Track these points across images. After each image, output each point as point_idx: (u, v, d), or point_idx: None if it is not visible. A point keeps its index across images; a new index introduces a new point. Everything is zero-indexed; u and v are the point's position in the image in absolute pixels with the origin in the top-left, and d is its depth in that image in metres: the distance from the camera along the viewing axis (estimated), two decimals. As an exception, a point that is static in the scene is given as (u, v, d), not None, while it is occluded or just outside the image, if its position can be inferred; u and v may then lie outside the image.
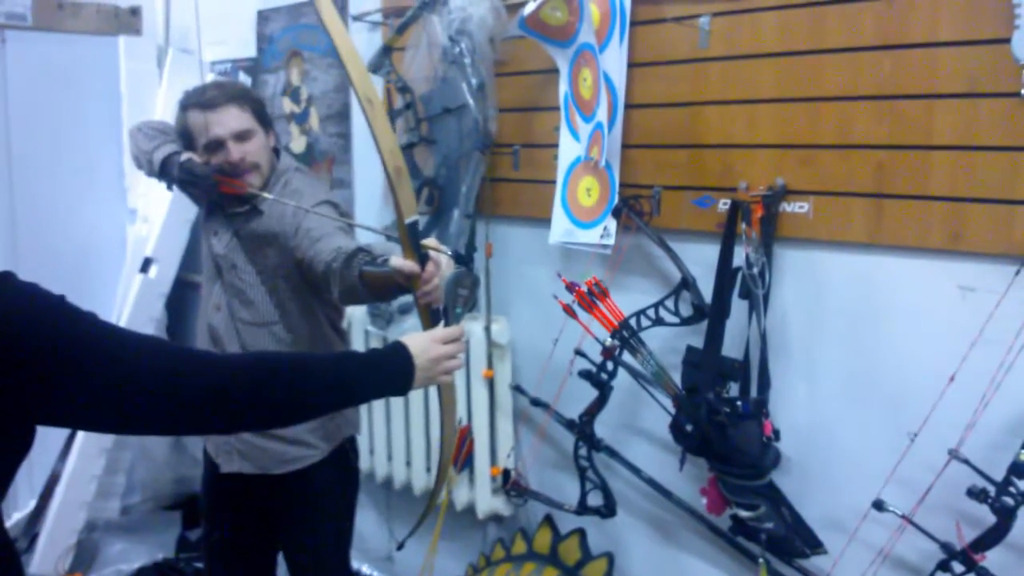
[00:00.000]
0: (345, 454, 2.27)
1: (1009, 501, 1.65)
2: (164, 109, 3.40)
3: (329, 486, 2.21)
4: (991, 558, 1.70)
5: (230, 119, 2.04)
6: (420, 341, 1.47)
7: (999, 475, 1.66)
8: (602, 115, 2.22)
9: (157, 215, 3.28)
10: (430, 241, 1.60)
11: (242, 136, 2.06)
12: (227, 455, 2.21)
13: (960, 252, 1.79)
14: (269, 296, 2.13)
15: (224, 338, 2.16)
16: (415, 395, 2.86)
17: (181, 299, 3.39)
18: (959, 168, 1.77)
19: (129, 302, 3.20)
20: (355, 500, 2.35)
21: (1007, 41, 1.67)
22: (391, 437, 2.99)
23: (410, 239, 1.53)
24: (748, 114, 2.09)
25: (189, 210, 3.21)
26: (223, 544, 2.34)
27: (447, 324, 1.58)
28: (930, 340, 1.84)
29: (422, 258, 1.54)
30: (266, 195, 2.04)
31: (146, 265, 3.21)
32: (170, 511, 3.41)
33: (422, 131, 2.70)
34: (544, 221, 2.50)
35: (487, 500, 2.74)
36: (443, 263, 1.58)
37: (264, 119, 2.13)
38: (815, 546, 2.02)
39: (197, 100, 2.07)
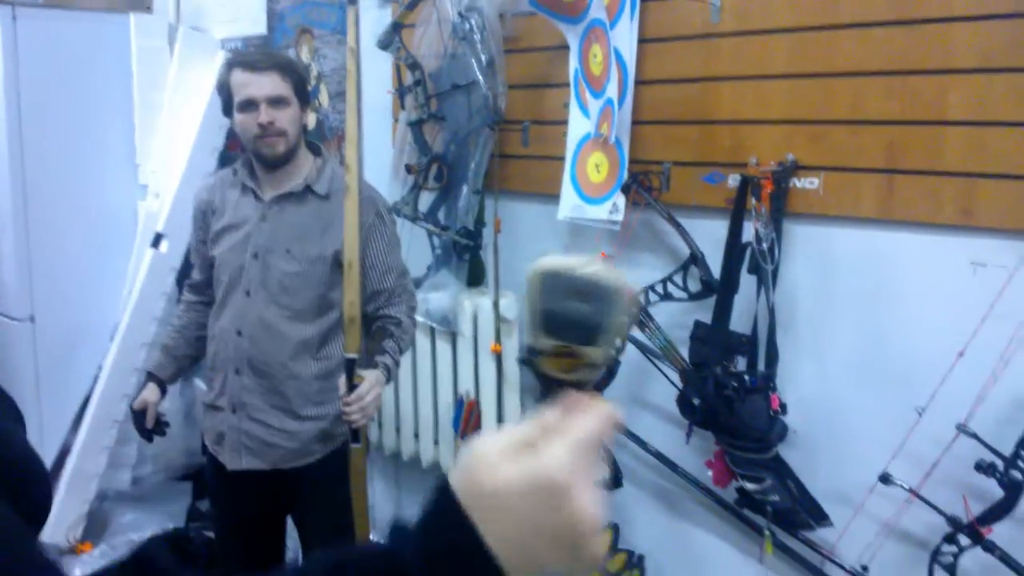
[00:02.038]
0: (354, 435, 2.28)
1: (1017, 475, 1.67)
2: (174, 87, 3.41)
3: (341, 471, 2.21)
4: (998, 532, 1.72)
5: (269, 83, 2.09)
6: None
7: (1007, 450, 1.67)
8: (612, 91, 2.21)
9: (168, 191, 3.29)
10: (365, 373, 2.04)
11: (277, 102, 2.09)
12: (234, 452, 2.20)
13: (972, 228, 1.79)
14: (304, 285, 2.15)
15: (249, 332, 2.17)
16: (422, 367, 2.88)
17: (188, 273, 3.39)
18: (972, 144, 1.77)
19: (140, 277, 3.22)
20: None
21: (1022, 16, 1.67)
22: (399, 409, 3.01)
23: (346, 371, 2.01)
24: (759, 90, 2.08)
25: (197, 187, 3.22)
26: (233, 539, 2.36)
27: (356, 442, 2.09)
28: (940, 315, 1.84)
29: (352, 387, 2.00)
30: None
31: (157, 240, 3.22)
32: (180, 482, 3.44)
33: (431, 107, 2.70)
34: (553, 197, 2.50)
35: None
36: (366, 395, 2.01)
37: (303, 94, 2.17)
38: (821, 519, 2.03)
39: (243, 60, 2.14)
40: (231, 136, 3.29)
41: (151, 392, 2.30)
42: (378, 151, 3.01)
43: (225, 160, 3.31)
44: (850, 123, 1.94)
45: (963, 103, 1.77)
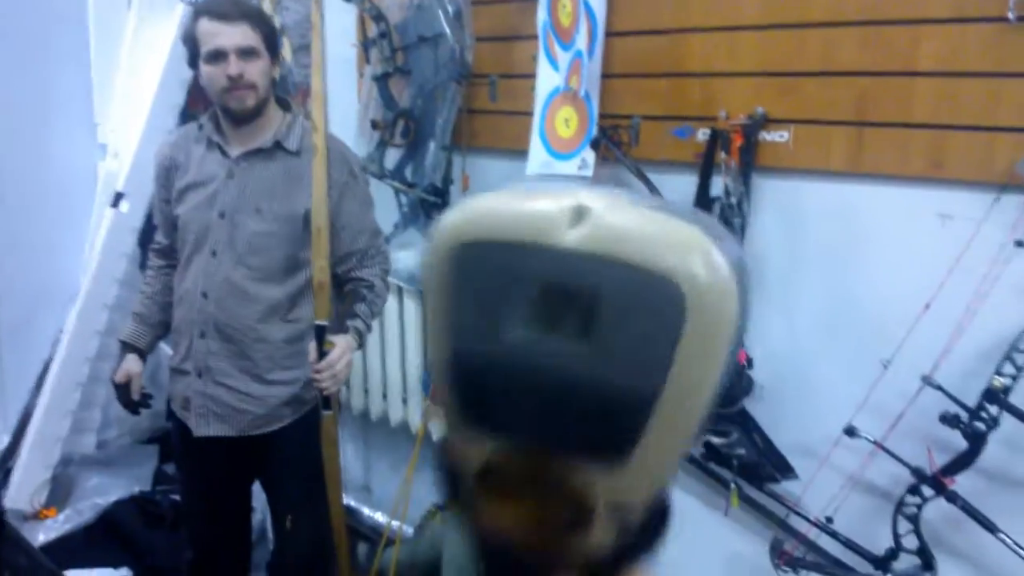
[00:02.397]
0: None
1: (981, 427, 1.68)
2: (133, 42, 3.31)
3: (310, 435, 2.18)
4: (961, 483, 1.74)
5: (239, 33, 2.02)
6: None
7: (972, 401, 1.69)
8: (581, 43, 2.18)
9: (127, 150, 3.20)
10: (335, 339, 2.01)
11: (246, 53, 2.03)
12: (201, 418, 2.16)
13: (940, 180, 1.79)
14: (274, 245, 2.10)
15: (213, 292, 2.12)
16: (390, 327, 2.85)
17: (153, 234, 3.33)
18: (942, 95, 1.76)
19: (100, 237, 3.14)
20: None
21: (993, -35, 1.65)
22: (367, 370, 2.99)
23: (316, 338, 1.99)
24: (730, 42, 2.06)
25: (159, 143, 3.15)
26: (200, 501, 2.33)
27: (327, 409, 2.07)
28: (908, 268, 1.84)
29: (323, 353, 1.99)
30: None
31: (117, 200, 3.15)
32: (146, 445, 3.40)
33: (397, 61, 2.64)
34: (522, 152, 2.47)
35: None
36: (336, 362, 2.00)
37: (272, 46, 2.11)
38: (786, 472, 2.04)
39: (211, 9, 2.05)
40: (192, 92, 3.20)
41: (133, 363, 2.24)
42: (343, 106, 2.95)
43: (186, 118, 3.23)
44: (821, 75, 1.92)
45: (934, 54, 1.76)
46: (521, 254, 0.31)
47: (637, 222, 0.30)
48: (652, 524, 0.33)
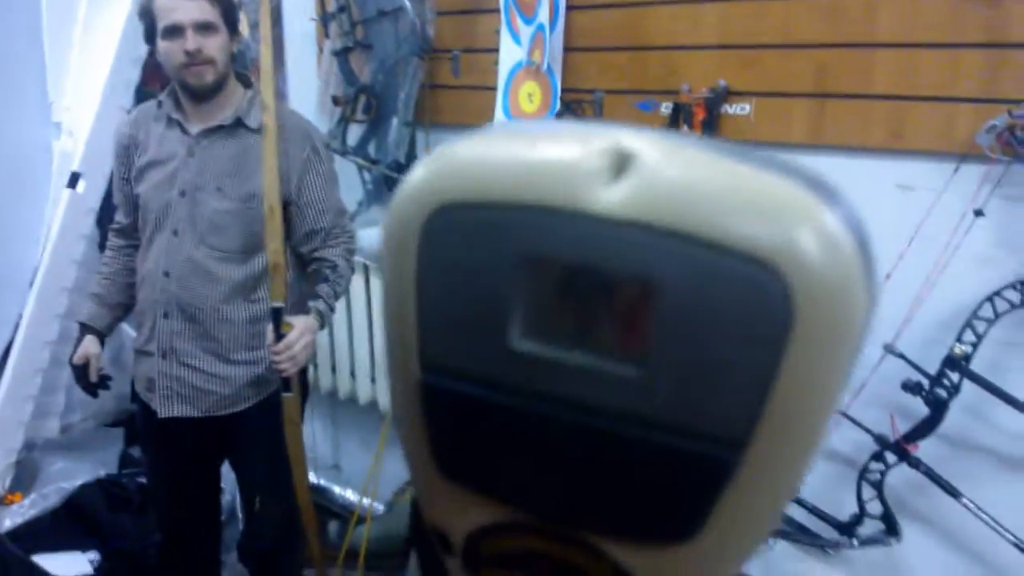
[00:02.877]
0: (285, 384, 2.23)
1: (942, 393, 1.71)
2: (86, 17, 3.22)
3: (276, 416, 2.16)
4: (924, 449, 1.77)
5: (196, 8, 1.96)
6: None
7: (933, 369, 1.72)
8: (544, 17, 2.16)
9: (82, 129, 3.13)
10: (292, 319, 1.99)
11: (204, 28, 1.97)
12: (166, 399, 2.13)
13: (900, 151, 1.81)
14: (236, 224, 2.07)
15: (177, 274, 2.09)
16: (357, 305, 2.84)
17: (112, 215, 3.27)
18: (901, 67, 1.78)
19: (58, 218, 3.08)
20: (303, 418, 2.33)
21: (951, -65, 1.66)
22: (335, 348, 2.97)
23: (273, 320, 1.96)
24: (692, 14, 2.05)
25: (116, 121, 3.08)
26: (168, 482, 2.31)
27: (287, 391, 2.03)
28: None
29: (280, 335, 1.96)
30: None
31: (73, 180, 3.08)
32: (111, 428, 3.36)
33: (357, 35, 2.61)
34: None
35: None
36: (295, 343, 1.97)
37: (231, 20, 2.05)
38: (754, 442, 2.07)
39: None
40: (147, 69, 3.14)
41: (91, 344, 2.20)
42: (303, 82, 2.91)
43: (141, 95, 3.17)
44: (781, 47, 1.92)
45: (893, 25, 1.77)
46: (532, 223, 0.19)
47: (708, 176, 0.19)
48: None
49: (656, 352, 0.19)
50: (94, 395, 2.26)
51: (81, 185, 3.07)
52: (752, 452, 0.19)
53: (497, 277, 0.20)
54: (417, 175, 0.21)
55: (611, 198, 0.19)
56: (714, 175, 0.19)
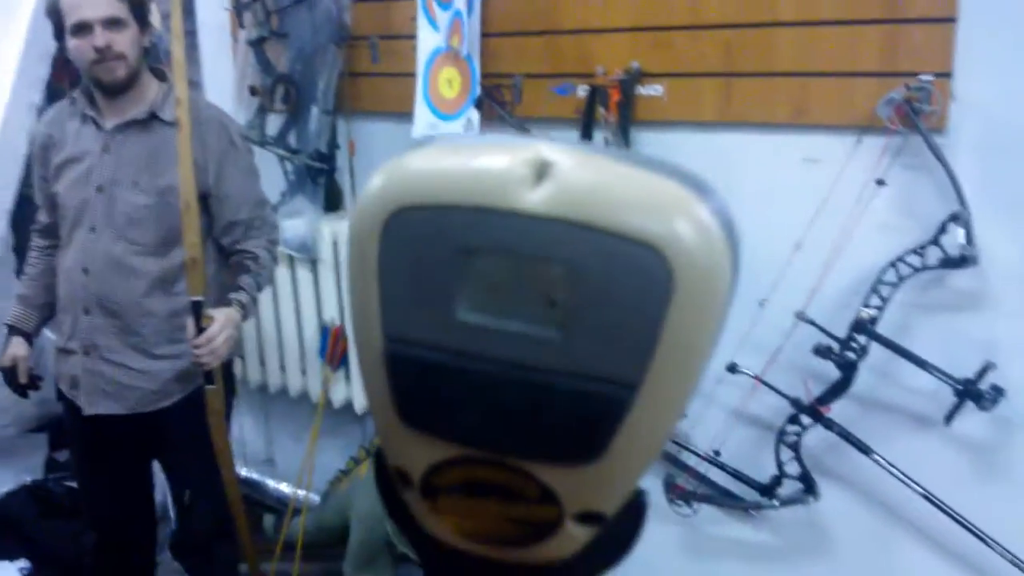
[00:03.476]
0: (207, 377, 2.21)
1: (851, 356, 1.79)
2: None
3: (203, 411, 2.14)
4: (836, 410, 1.85)
5: (102, 4, 1.93)
6: None
7: (842, 333, 1.80)
8: (460, 3, 2.18)
9: (-11, 126, 3.04)
10: (212, 312, 1.98)
11: (113, 23, 1.95)
12: (91, 396, 2.10)
13: (805, 125, 1.88)
14: (154, 218, 2.04)
15: (97, 271, 2.06)
16: (283, 297, 2.82)
17: (29, 216, 3.18)
18: (803, 44, 1.85)
19: (-33, 220, 2.99)
20: (231, 411, 2.32)
21: (845, -83, 1.73)
22: (262, 341, 2.95)
23: (193, 313, 1.94)
24: (603, -3, 2.10)
25: (27, 119, 3.00)
26: (97, 480, 2.28)
27: (210, 383, 2.01)
28: (778, 211, 1.94)
29: (200, 328, 1.94)
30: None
31: (-18, 180, 2.99)
32: (35, 434, 3.27)
33: (272, 24, 2.58)
34: (407, 115, 2.45)
35: (365, 395, 2.75)
36: (216, 336, 1.95)
37: (140, 14, 2.02)
38: (677, 412, 2.13)
39: None
40: (56, 66, 3.06)
41: (18, 347, 2.18)
42: (219, 73, 2.87)
43: (51, 91, 3.09)
44: (690, 28, 1.98)
45: (794, 4, 1.84)
46: (472, 221, 0.25)
47: (609, 179, 0.25)
48: (624, 528, 0.28)
49: (571, 319, 0.25)
50: (24, 396, 2.24)
51: (-9, 185, 2.98)
52: (643, 392, 0.25)
53: (445, 264, 0.25)
54: (377, 183, 0.26)
55: (534, 199, 0.24)
56: (614, 178, 0.24)
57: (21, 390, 2.20)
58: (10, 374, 2.17)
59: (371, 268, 0.27)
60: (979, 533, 1.80)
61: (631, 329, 0.25)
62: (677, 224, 0.24)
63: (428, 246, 0.26)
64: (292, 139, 2.69)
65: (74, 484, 2.92)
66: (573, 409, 0.26)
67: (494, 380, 0.26)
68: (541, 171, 0.25)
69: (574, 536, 0.27)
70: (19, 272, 3.17)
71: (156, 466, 2.37)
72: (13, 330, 2.20)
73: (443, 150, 0.26)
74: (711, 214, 0.24)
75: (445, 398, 0.26)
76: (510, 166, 0.25)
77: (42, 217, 2.24)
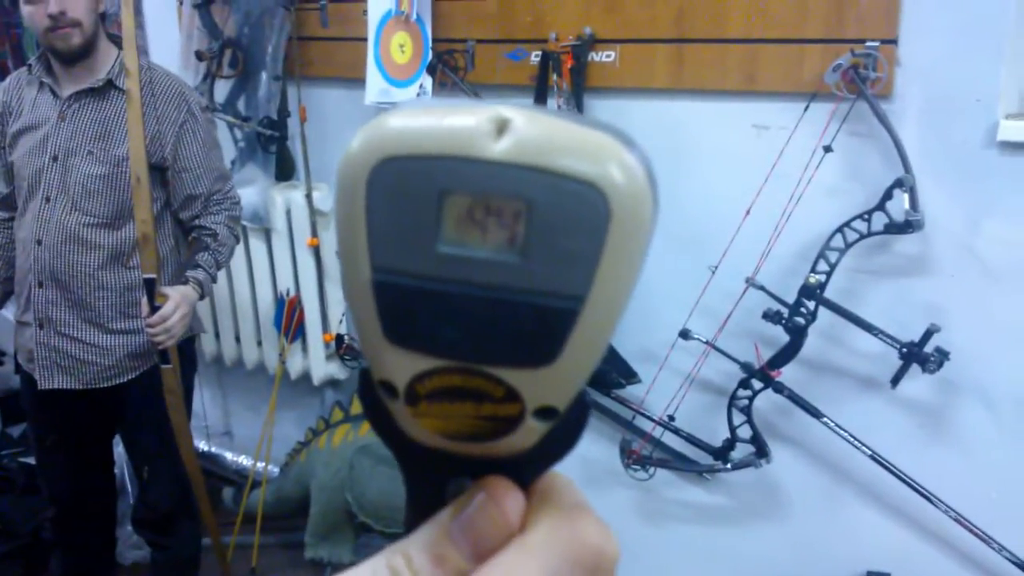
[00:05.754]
0: (180, 352, 2.18)
1: (800, 321, 1.82)
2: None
3: (161, 386, 2.13)
4: (786, 374, 1.88)
5: None
6: None
7: (791, 298, 1.82)
8: (409, -35, 2.14)
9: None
10: (166, 290, 1.97)
11: None
12: (46, 370, 2.07)
13: (755, 92, 1.88)
14: (110, 189, 2.00)
15: (53, 245, 2.02)
16: (237, 267, 2.79)
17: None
18: (753, 11, 1.84)
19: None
20: (191, 386, 2.30)
21: None
22: (216, 314, 2.92)
23: (147, 292, 1.94)
24: (555, -39, 2.07)
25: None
26: (55, 454, 2.25)
27: (165, 363, 2.02)
28: (728, 178, 1.95)
29: (154, 307, 1.94)
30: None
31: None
32: (-15, 410, 3.24)
33: (219, -13, 2.53)
34: (359, 81, 2.43)
35: (322, 366, 2.75)
36: (170, 316, 1.95)
37: None
38: (630, 376, 2.15)
39: None
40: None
41: None
42: (164, 37, 2.81)
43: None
44: (643, -7, 1.96)
45: (744, -30, 1.83)
46: (447, 167, 0.31)
47: (556, 132, 0.31)
48: (572, 423, 0.36)
49: (529, 246, 0.31)
50: None
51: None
52: (589, 302, 0.32)
53: (424, 205, 0.32)
54: (361, 138, 0.33)
55: (497, 148, 0.31)
56: (561, 131, 0.31)
57: None
58: None
59: (359, 212, 0.33)
60: (924, 492, 1.85)
61: (578, 252, 0.32)
62: (610, 167, 0.31)
63: (409, 191, 0.32)
64: (241, 106, 2.64)
65: (28, 460, 2.88)
66: (533, 320, 0.32)
67: (467, 300, 0.33)
68: (501, 126, 0.31)
69: (533, 429, 0.35)
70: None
71: (116, 439, 2.35)
72: None
73: (417, 111, 0.33)
74: (636, 160, 0.31)
75: (425, 317, 0.33)
76: (476, 122, 0.32)
77: (1, 187, 2.19)
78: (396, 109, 0.33)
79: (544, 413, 0.34)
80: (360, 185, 0.32)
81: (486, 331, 0.33)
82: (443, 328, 0.33)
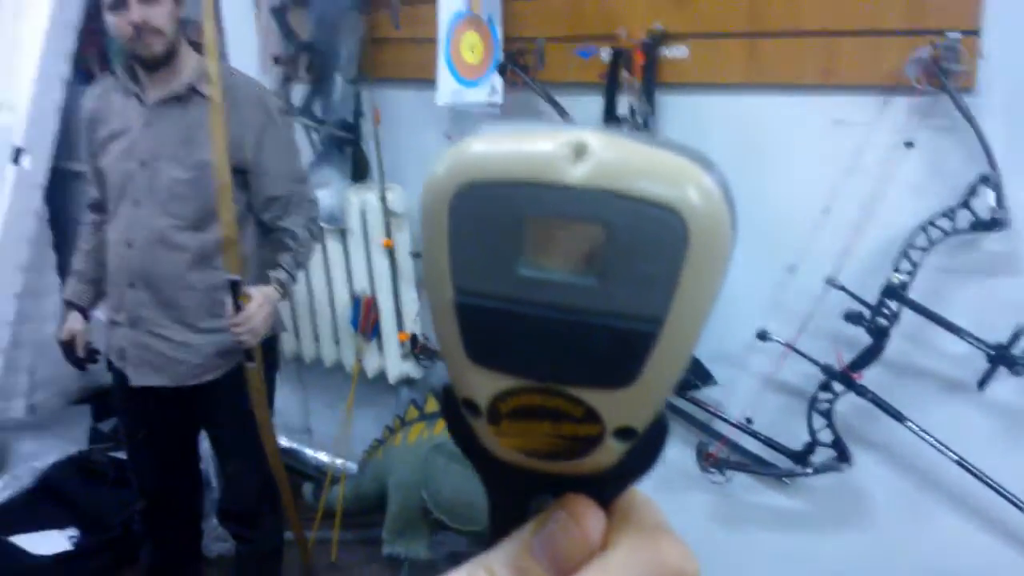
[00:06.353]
0: (263, 351, 2.22)
1: (883, 322, 1.76)
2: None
3: (246, 383, 2.19)
4: (868, 377, 1.82)
5: None
6: None
7: (873, 299, 1.76)
8: (479, -34, 2.14)
9: (22, 102, 3.08)
10: (250, 290, 2.02)
11: None
12: (137, 368, 2.15)
13: (832, 86, 1.82)
14: (195, 192, 2.07)
15: (142, 252, 2.09)
16: (315, 270, 2.84)
17: (62, 189, 3.24)
18: (829, 2, 1.78)
19: (5, 196, 3.04)
20: (274, 384, 2.36)
21: None
22: (296, 312, 2.98)
23: (231, 291, 1.99)
24: (625, -43, 2.04)
25: (57, 93, 3.03)
26: (145, 449, 2.34)
27: (250, 361, 2.08)
28: (805, 174, 1.89)
29: (238, 306, 1.99)
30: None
31: (17, 156, 3.04)
32: (78, 405, 3.37)
33: (293, -8, 2.57)
34: (430, 82, 2.44)
35: (397, 365, 2.78)
36: (253, 315, 2.01)
37: None
38: (706, 379, 2.12)
39: None
40: (83, 36, 3.08)
41: (75, 321, 2.25)
42: (242, 42, 2.87)
43: (79, 63, 3.11)
44: (715, -13, 1.92)
45: (821, -40, 1.77)
46: (527, 193, 0.32)
47: (633, 156, 0.32)
48: (651, 442, 0.36)
49: (607, 269, 0.32)
50: (83, 369, 2.32)
51: (26, 160, 3.03)
52: (667, 325, 0.32)
53: (505, 229, 0.32)
54: (443, 165, 0.33)
55: (576, 173, 0.31)
56: (638, 156, 0.32)
57: (79, 363, 2.28)
58: (68, 348, 2.25)
59: (443, 236, 0.34)
60: (1013, 499, 1.77)
61: (656, 275, 0.32)
62: (688, 190, 0.31)
63: (490, 215, 0.33)
64: (317, 109, 2.68)
65: (118, 454, 3.00)
66: (611, 342, 0.33)
67: (547, 322, 0.33)
68: (580, 151, 0.32)
69: (612, 449, 0.35)
70: (56, 246, 3.24)
71: (202, 435, 2.43)
72: (70, 305, 2.27)
73: (498, 136, 0.34)
74: (714, 183, 0.32)
75: (506, 338, 0.33)
76: (555, 148, 0.32)
77: (92, 192, 2.29)
78: (478, 134, 0.33)
79: (623, 433, 0.35)
80: (443, 209, 0.33)
81: (565, 352, 0.33)
82: (523, 348, 0.33)
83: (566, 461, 0.35)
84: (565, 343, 0.33)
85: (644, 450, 0.37)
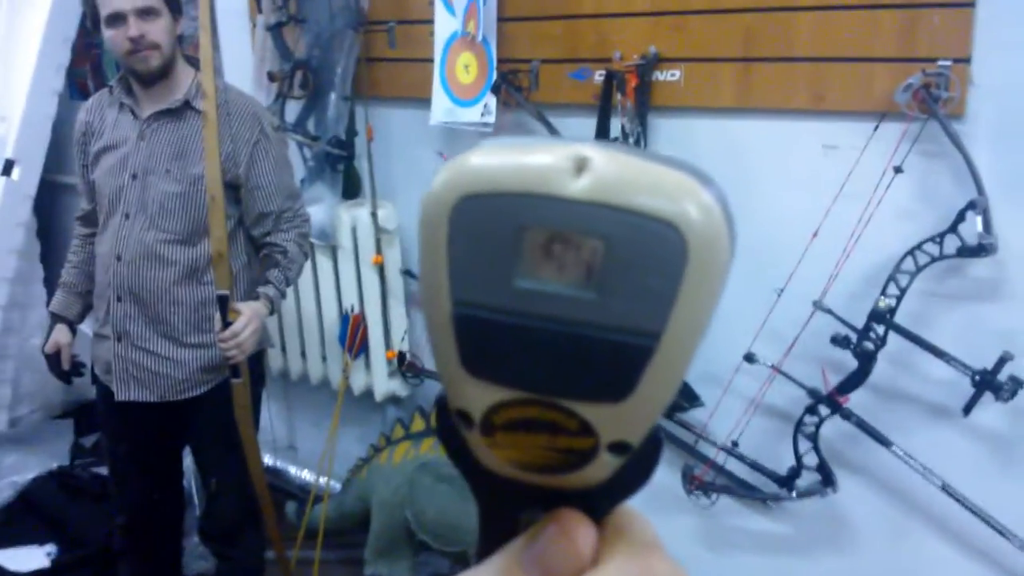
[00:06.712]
0: (249, 366, 2.23)
1: (869, 346, 1.77)
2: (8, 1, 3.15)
3: (231, 400, 2.17)
4: (854, 400, 1.83)
5: None
6: None
7: (860, 323, 1.77)
8: (475, -13, 2.16)
9: (14, 114, 3.08)
10: (238, 306, 2.01)
11: (146, 13, 1.98)
12: (122, 382, 2.14)
13: (823, 112, 1.85)
14: (186, 207, 2.07)
15: (134, 262, 2.09)
16: (304, 286, 2.83)
17: (51, 202, 3.23)
18: (821, 29, 1.81)
19: (-7, 208, 3.03)
20: (259, 400, 2.34)
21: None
22: (283, 328, 2.97)
23: (219, 308, 1.99)
24: (620, -19, 2.07)
25: (49, 105, 3.04)
26: (128, 464, 2.31)
27: (236, 377, 2.06)
28: (795, 199, 1.91)
29: (226, 324, 1.98)
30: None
31: (8, 167, 3.03)
32: (60, 420, 3.34)
33: (290, 9, 2.59)
34: (424, 101, 2.46)
35: (384, 383, 2.77)
36: (241, 331, 1.99)
37: (173, 3, 2.06)
38: (693, 400, 2.12)
39: None
40: (77, 50, 3.09)
41: (61, 334, 2.24)
42: (237, 59, 2.87)
43: (72, 76, 3.12)
44: (708, 12, 1.95)
45: (813, -12, 1.80)
46: (527, 204, 0.32)
47: (634, 171, 0.32)
48: (646, 458, 0.36)
49: (606, 282, 0.31)
50: (68, 382, 2.31)
51: (16, 172, 3.03)
52: (664, 340, 0.31)
53: (504, 241, 0.32)
54: (444, 176, 0.33)
55: (576, 187, 0.31)
56: (638, 170, 0.31)
57: (65, 377, 2.26)
58: (53, 360, 2.24)
59: (441, 248, 0.33)
60: (997, 526, 1.77)
61: (654, 289, 0.32)
62: (687, 205, 0.31)
63: (488, 227, 0.33)
64: (311, 125, 2.69)
65: (100, 470, 2.97)
66: (608, 356, 0.33)
67: (543, 334, 0.33)
68: (581, 165, 0.32)
69: (606, 463, 0.35)
70: (44, 258, 3.23)
71: (186, 451, 2.41)
72: (56, 317, 2.26)
73: (498, 149, 0.33)
74: (713, 199, 0.32)
75: (502, 350, 0.33)
76: (556, 161, 0.32)
77: (83, 204, 2.28)
78: (478, 147, 0.33)
79: (618, 448, 0.34)
80: (442, 221, 0.33)
81: (562, 365, 0.33)
82: (519, 361, 0.33)
83: (559, 474, 0.35)
84: (562, 356, 0.32)
85: (638, 465, 0.37)
